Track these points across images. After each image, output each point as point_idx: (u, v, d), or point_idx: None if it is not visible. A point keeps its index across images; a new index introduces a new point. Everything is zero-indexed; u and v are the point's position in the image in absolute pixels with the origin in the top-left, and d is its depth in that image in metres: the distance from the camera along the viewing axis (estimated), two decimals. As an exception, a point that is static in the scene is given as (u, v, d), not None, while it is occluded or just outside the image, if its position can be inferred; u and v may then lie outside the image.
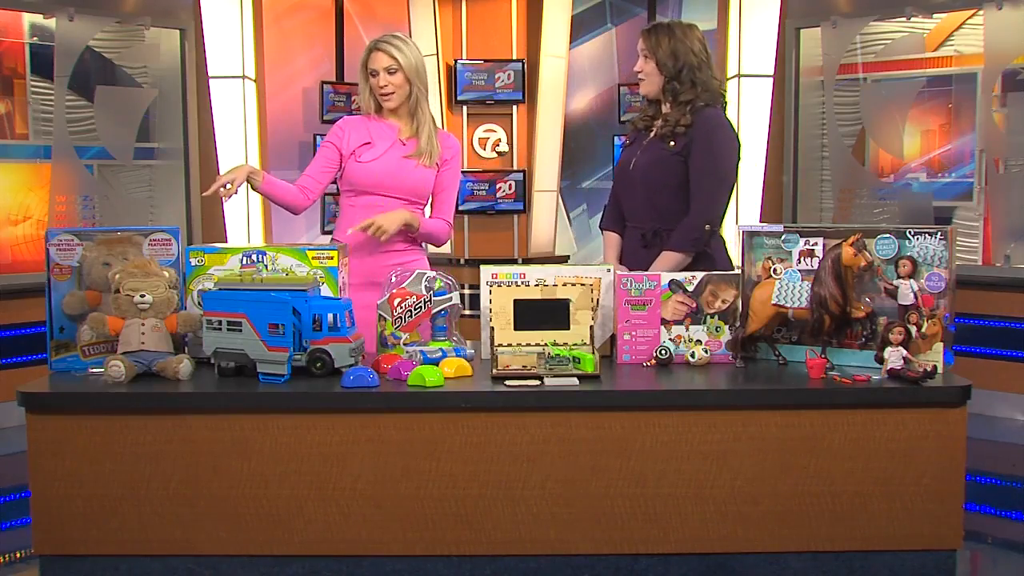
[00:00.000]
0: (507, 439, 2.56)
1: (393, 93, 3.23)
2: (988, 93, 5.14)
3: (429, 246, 3.47)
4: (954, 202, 5.43)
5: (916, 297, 2.66)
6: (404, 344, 2.81)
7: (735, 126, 3.32)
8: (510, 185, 6.23)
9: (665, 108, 3.23)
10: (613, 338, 2.87)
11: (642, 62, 3.22)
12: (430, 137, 3.29)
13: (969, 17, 5.29)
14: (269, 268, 2.81)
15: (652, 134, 3.24)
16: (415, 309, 2.84)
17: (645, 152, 3.21)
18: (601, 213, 3.52)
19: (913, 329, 2.65)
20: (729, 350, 2.82)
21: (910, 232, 2.69)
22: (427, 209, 3.39)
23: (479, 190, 6.26)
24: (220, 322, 2.63)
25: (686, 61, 3.15)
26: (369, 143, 3.26)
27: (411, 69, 3.24)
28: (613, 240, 3.35)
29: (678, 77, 3.15)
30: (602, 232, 3.42)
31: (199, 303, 2.77)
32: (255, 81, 5.75)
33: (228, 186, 3.01)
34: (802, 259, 2.77)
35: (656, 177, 3.17)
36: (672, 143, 3.13)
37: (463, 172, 6.25)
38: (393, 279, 2.89)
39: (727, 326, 2.83)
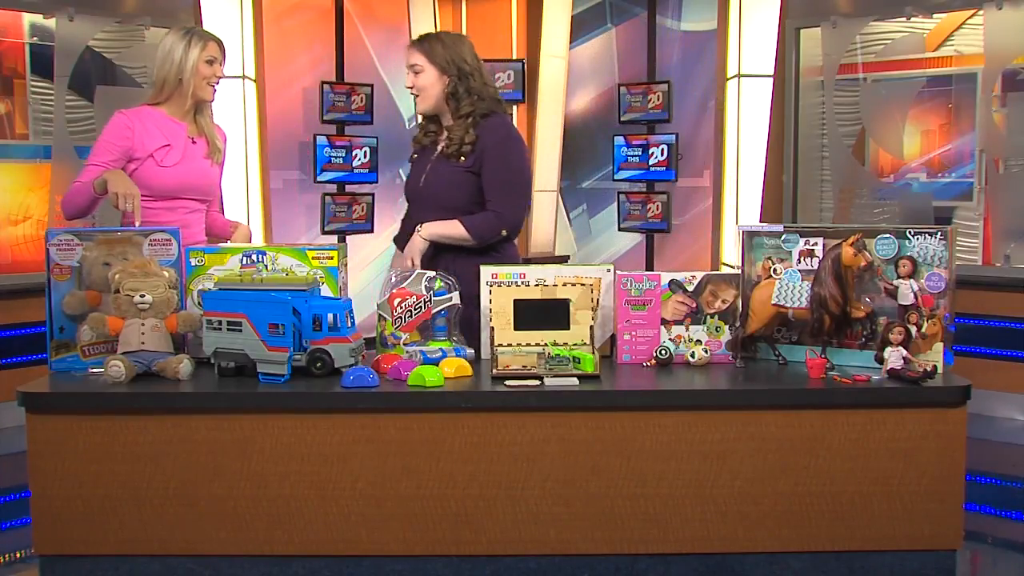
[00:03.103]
0: (507, 439, 2.56)
1: (217, 85, 3.27)
2: (988, 93, 5.14)
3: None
4: (954, 202, 5.43)
5: (916, 297, 2.66)
6: (404, 344, 2.81)
7: (518, 131, 3.32)
8: (510, 185, 6.21)
9: (446, 121, 3.21)
10: (613, 338, 2.87)
11: (413, 77, 3.16)
12: (215, 136, 3.33)
13: (969, 17, 5.29)
14: (269, 268, 2.81)
15: (439, 150, 3.21)
16: (415, 309, 2.84)
17: (435, 170, 3.19)
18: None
19: (913, 329, 2.66)
20: (729, 350, 2.82)
21: (910, 232, 2.69)
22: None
23: (479, 190, 6.25)
24: (220, 322, 2.63)
25: (460, 68, 3.14)
26: (168, 145, 3.20)
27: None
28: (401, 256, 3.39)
29: (457, 82, 3.13)
30: (395, 245, 3.45)
31: (199, 303, 2.77)
32: (255, 81, 5.74)
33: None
34: (802, 259, 2.77)
35: (451, 195, 3.14)
36: (462, 159, 3.11)
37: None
38: (393, 279, 2.89)
39: (727, 326, 2.83)
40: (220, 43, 3.25)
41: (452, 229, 3.07)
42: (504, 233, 3.11)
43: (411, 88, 3.19)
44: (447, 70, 3.13)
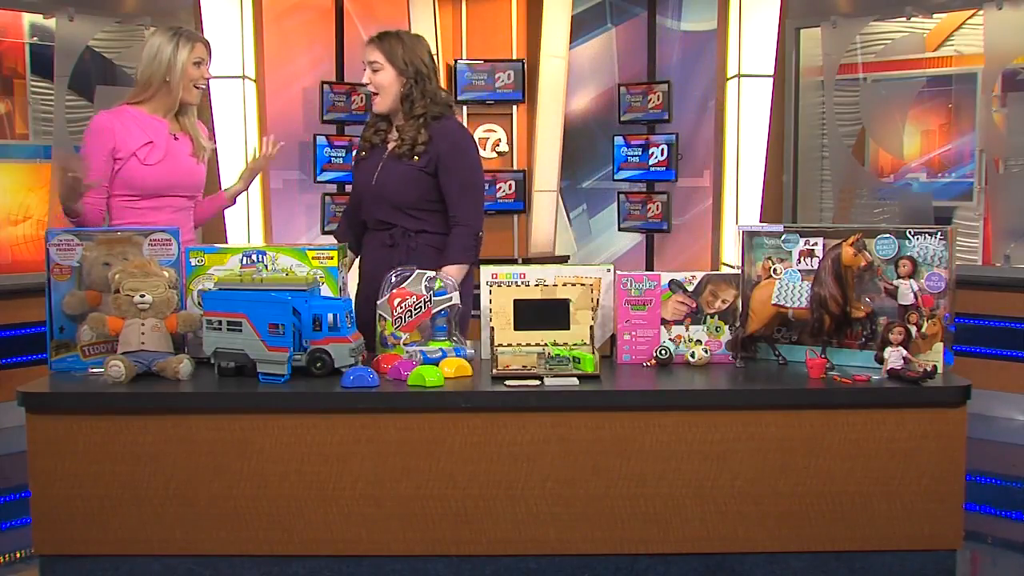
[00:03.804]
0: (507, 439, 2.56)
1: (204, 87, 3.27)
2: (988, 93, 5.14)
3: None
4: (954, 202, 5.43)
5: (916, 297, 2.66)
6: (404, 344, 2.81)
7: (469, 131, 3.37)
8: (510, 185, 6.23)
9: (397, 121, 3.22)
10: (613, 338, 2.87)
11: (371, 75, 3.18)
12: (199, 133, 3.31)
13: (969, 17, 5.30)
14: (269, 268, 2.81)
15: (389, 149, 3.22)
16: (415, 309, 2.84)
17: (387, 168, 3.20)
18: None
19: (913, 329, 2.65)
20: (729, 350, 2.82)
21: (910, 232, 2.69)
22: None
23: (479, 190, 6.26)
24: (220, 322, 2.63)
25: (418, 69, 3.16)
26: (151, 143, 3.18)
27: None
28: None
29: (414, 84, 3.14)
30: (335, 239, 3.46)
31: (199, 303, 2.77)
32: (255, 81, 5.75)
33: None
34: (802, 259, 2.77)
35: (404, 191, 3.16)
36: (416, 158, 3.14)
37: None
38: (393, 279, 2.89)
39: (727, 326, 2.83)
40: (207, 44, 3.24)
41: (452, 274, 3.02)
42: (480, 235, 3.20)
43: (368, 85, 3.21)
44: (405, 71, 3.16)
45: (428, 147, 3.13)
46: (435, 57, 3.26)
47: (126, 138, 3.15)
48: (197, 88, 3.23)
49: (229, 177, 5.58)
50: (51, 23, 5.08)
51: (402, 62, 3.15)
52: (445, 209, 3.19)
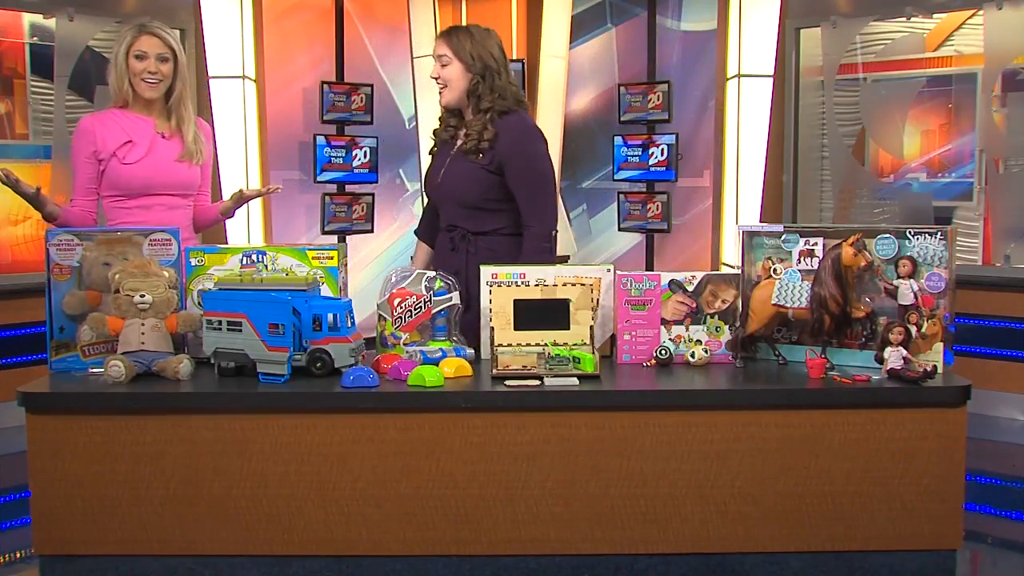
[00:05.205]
0: (507, 439, 2.56)
1: (160, 82, 3.18)
2: (988, 93, 5.14)
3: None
4: (954, 202, 5.43)
5: (916, 297, 2.66)
6: (404, 344, 2.81)
7: (537, 125, 3.31)
8: (510, 185, 6.20)
9: (467, 116, 3.21)
10: (613, 338, 2.87)
11: (439, 68, 3.18)
12: (196, 138, 3.26)
13: (969, 17, 5.29)
14: (269, 268, 2.81)
15: (457, 145, 3.20)
16: (415, 309, 2.84)
17: (453, 165, 3.19)
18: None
19: (913, 329, 2.66)
20: (729, 350, 2.82)
21: (910, 232, 2.69)
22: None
23: (479, 190, 6.25)
24: (220, 322, 2.63)
25: (487, 64, 3.14)
26: (130, 142, 3.17)
27: (182, 62, 3.21)
28: (424, 249, 3.41)
29: (482, 79, 3.13)
30: (416, 237, 3.47)
31: (199, 303, 2.78)
32: (255, 81, 5.75)
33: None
34: (802, 259, 2.78)
35: (467, 190, 3.15)
36: (480, 156, 3.11)
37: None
38: (393, 279, 2.89)
39: (727, 326, 2.83)
40: (161, 38, 3.17)
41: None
42: (553, 233, 3.15)
43: (436, 79, 3.20)
44: (472, 66, 3.14)
45: (493, 144, 3.10)
46: (505, 52, 3.24)
47: (106, 138, 3.17)
48: (145, 82, 3.17)
49: (229, 178, 5.60)
50: (51, 23, 5.07)
51: (469, 56, 3.14)
52: (511, 209, 3.14)
